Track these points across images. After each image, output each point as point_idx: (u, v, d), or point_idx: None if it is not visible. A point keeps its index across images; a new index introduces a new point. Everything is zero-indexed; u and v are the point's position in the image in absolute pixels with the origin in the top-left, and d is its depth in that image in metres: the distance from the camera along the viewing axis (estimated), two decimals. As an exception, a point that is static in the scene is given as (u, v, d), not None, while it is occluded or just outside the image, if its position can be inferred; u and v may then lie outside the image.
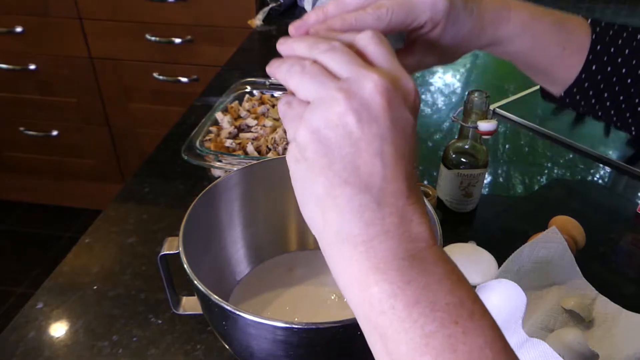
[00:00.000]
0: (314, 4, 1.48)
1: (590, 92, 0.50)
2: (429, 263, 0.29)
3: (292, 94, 0.32)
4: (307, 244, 0.68)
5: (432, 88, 1.18)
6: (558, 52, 0.48)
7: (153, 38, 1.63)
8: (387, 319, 0.28)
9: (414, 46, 0.44)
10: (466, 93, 0.75)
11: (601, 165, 0.90)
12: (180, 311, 0.57)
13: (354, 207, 0.29)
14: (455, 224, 0.77)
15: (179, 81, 1.69)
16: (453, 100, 1.13)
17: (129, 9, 1.60)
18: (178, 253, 0.49)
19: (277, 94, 0.95)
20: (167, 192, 0.83)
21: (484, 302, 0.52)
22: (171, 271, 0.54)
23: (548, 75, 0.51)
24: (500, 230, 0.78)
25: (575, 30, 0.49)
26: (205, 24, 1.60)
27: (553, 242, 0.65)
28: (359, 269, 0.29)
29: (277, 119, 0.87)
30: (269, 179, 0.63)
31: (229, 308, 0.44)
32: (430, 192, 0.75)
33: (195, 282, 0.46)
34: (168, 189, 0.84)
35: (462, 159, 0.74)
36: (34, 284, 1.83)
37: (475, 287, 0.55)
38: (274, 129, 0.84)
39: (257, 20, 1.47)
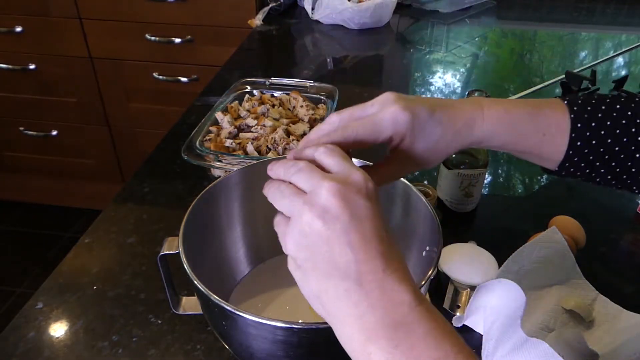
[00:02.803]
0: (314, 4, 1.48)
1: (582, 164, 0.52)
2: (413, 324, 0.34)
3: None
4: (307, 244, 0.68)
5: (432, 88, 1.18)
6: (539, 138, 0.51)
7: (153, 38, 1.63)
8: None
9: (392, 156, 0.48)
10: (466, 93, 0.75)
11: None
12: (180, 311, 0.57)
13: (341, 294, 0.35)
14: (455, 224, 0.77)
15: (179, 81, 1.69)
16: (453, 100, 1.13)
17: (129, 9, 1.60)
18: (178, 253, 0.49)
19: (277, 93, 0.95)
20: (167, 192, 0.83)
21: (484, 302, 0.52)
22: (171, 271, 0.54)
23: (537, 157, 0.53)
24: (500, 230, 0.78)
25: (552, 115, 0.51)
26: (205, 24, 1.60)
27: (553, 242, 0.64)
28: (358, 343, 0.35)
29: (277, 119, 0.87)
30: (269, 179, 0.63)
31: (229, 308, 0.44)
32: (431, 192, 0.75)
33: (195, 282, 0.46)
34: (168, 189, 0.83)
35: (463, 159, 0.74)
36: (34, 284, 1.83)
37: (475, 287, 0.55)
38: (274, 129, 0.84)
39: (257, 20, 1.47)
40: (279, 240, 0.40)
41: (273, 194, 0.40)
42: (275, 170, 0.42)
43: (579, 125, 0.50)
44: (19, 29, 1.67)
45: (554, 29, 1.53)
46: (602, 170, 0.52)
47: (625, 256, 0.74)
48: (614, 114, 0.50)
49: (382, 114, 0.45)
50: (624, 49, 1.34)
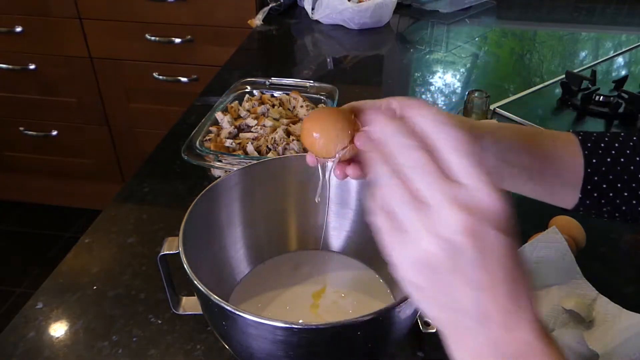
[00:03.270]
0: (314, 4, 1.48)
1: (602, 201, 0.51)
2: None
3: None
4: (307, 244, 0.68)
5: (432, 88, 1.18)
6: (554, 148, 0.50)
7: (153, 38, 1.63)
8: None
9: None
10: (466, 93, 0.75)
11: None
12: (180, 311, 0.57)
13: (461, 329, 0.33)
14: (455, 224, 0.77)
15: (179, 81, 1.69)
16: (453, 100, 1.13)
17: (129, 9, 1.60)
18: (178, 253, 0.49)
19: (277, 93, 0.95)
20: (167, 192, 0.83)
21: None
22: (171, 271, 0.54)
23: (554, 179, 0.52)
24: (500, 230, 0.78)
25: (562, 135, 0.51)
26: (205, 24, 1.60)
27: (553, 242, 0.64)
28: None
29: (277, 119, 0.87)
30: (269, 179, 0.63)
31: (229, 308, 0.44)
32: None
33: (195, 282, 0.46)
34: (168, 189, 0.83)
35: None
36: (34, 284, 1.83)
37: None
38: (274, 129, 0.84)
39: (257, 20, 1.47)
40: (384, 245, 0.35)
41: (392, 192, 0.34)
42: (387, 136, 0.35)
43: (594, 160, 0.50)
44: (19, 29, 1.67)
45: (554, 29, 1.53)
46: (624, 208, 0.52)
47: (625, 256, 0.74)
48: (628, 152, 0.51)
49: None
50: (624, 49, 1.34)
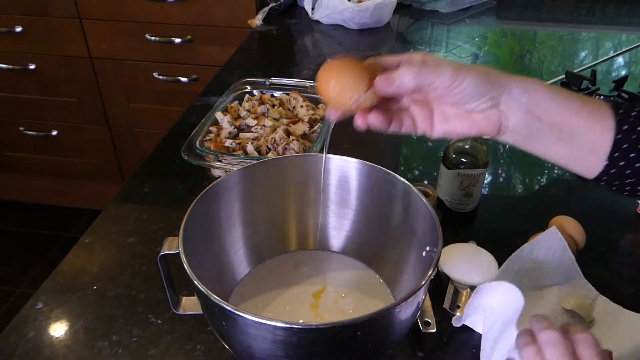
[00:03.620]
0: (314, 4, 1.48)
1: (628, 172, 0.49)
2: None
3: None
4: (307, 244, 0.68)
5: (432, 88, 1.18)
6: (585, 117, 0.48)
7: (153, 38, 1.63)
8: None
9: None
10: (466, 93, 0.75)
11: (601, 165, 0.90)
12: (180, 311, 0.57)
13: None
14: (455, 224, 0.77)
15: (179, 81, 1.69)
16: (453, 100, 1.13)
17: (129, 9, 1.60)
18: (178, 253, 0.49)
19: (277, 93, 0.95)
20: (167, 192, 0.83)
21: (484, 302, 0.52)
22: (171, 271, 0.54)
23: (576, 147, 0.50)
24: (500, 230, 0.78)
25: (595, 102, 0.49)
26: (205, 24, 1.60)
27: (553, 242, 0.64)
28: None
29: (277, 119, 0.87)
30: (269, 179, 0.63)
31: (229, 308, 0.44)
32: (431, 192, 0.75)
33: (195, 282, 0.46)
34: (168, 189, 0.83)
35: (463, 159, 0.74)
36: (34, 284, 1.83)
37: (475, 287, 0.55)
38: (274, 129, 0.84)
39: (257, 20, 1.47)
40: None
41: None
42: (539, 329, 0.42)
43: (624, 127, 0.48)
44: (19, 29, 1.67)
45: (554, 29, 1.53)
46: None
47: (625, 256, 0.74)
48: None
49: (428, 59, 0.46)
50: (624, 49, 1.34)
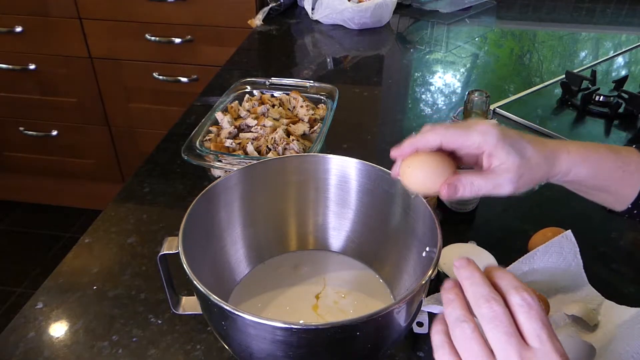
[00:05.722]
0: (314, 4, 1.48)
1: None
2: None
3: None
4: (307, 244, 0.68)
5: (432, 88, 1.18)
6: (619, 175, 0.53)
7: (153, 38, 1.63)
8: None
9: (486, 170, 0.50)
10: (466, 93, 0.75)
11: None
12: (180, 311, 0.57)
13: None
14: (455, 224, 0.77)
15: (179, 81, 1.69)
16: (453, 100, 1.13)
17: (129, 9, 1.60)
18: (178, 253, 0.49)
19: (277, 93, 0.95)
20: (167, 192, 0.83)
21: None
22: (171, 271, 0.54)
23: (612, 195, 0.55)
24: (500, 230, 0.78)
25: (629, 155, 0.53)
26: (205, 24, 1.60)
27: (565, 247, 0.64)
28: None
29: (277, 119, 0.87)
30: (269, 179, 0.63)
31: (228, 308, 0.44)
32: (430, 192, 0.75)
33: (195, 282, 0.46)
34: (168, 189, 0.83)
35: (462, 159, 0.74)
36: (34, 284, 1.83)
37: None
38: (274, 129, 0.84)
39: (257, 20, 1.47)
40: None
41: (464, 337, 0.37)
42: (463, 277, 0.40)
43: None
44: (19, 29, 1.67)
45: (554, 29, 1.53)
46: None
47: (625, 256, 0.74)
48: None
49: (474, 123, 0.49)
50: (624, 49, 1.34)
